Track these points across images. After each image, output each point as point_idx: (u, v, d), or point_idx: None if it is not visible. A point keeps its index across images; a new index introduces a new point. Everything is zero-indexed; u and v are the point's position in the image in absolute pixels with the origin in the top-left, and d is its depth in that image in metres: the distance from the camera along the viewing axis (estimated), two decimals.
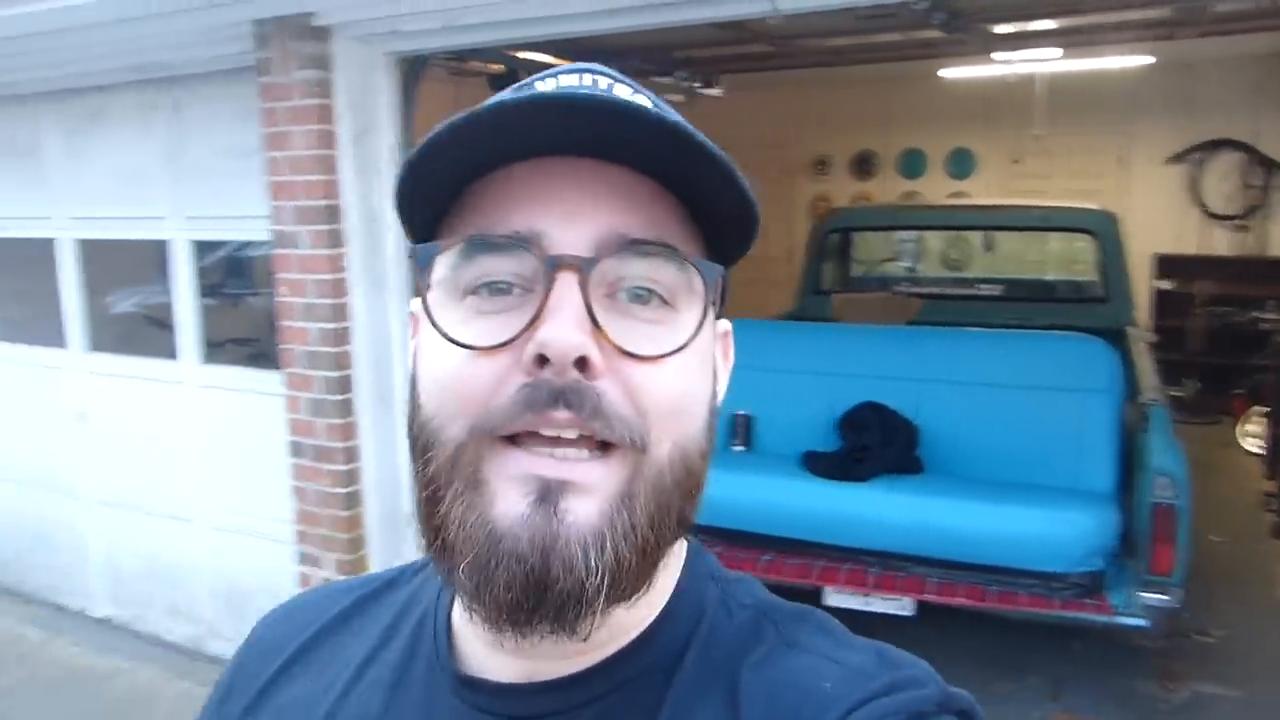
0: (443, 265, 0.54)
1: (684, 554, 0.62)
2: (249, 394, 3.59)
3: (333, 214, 3.10)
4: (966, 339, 4.11)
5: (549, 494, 0.50)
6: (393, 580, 0.71)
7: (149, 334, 4.04)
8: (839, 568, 3.55)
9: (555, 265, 0.50)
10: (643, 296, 0.53)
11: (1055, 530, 3.29)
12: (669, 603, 0.59)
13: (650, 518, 0.52)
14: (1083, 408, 3.61)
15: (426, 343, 0.55)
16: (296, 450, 3.29)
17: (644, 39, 4.15)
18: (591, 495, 0.50)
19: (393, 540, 3.35)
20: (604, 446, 0.51)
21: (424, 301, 0.54)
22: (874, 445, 3.59)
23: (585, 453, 0.50)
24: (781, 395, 3.97)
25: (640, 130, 0.50)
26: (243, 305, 3.90)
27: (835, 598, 3.60)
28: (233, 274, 3.92)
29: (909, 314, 5.24)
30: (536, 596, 0.49)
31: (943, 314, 5.20)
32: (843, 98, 8.14)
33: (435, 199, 0.56)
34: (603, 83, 0.56)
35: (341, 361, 3.16)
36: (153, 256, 3.88)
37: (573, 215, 0.52)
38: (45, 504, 4.52)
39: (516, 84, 0.57)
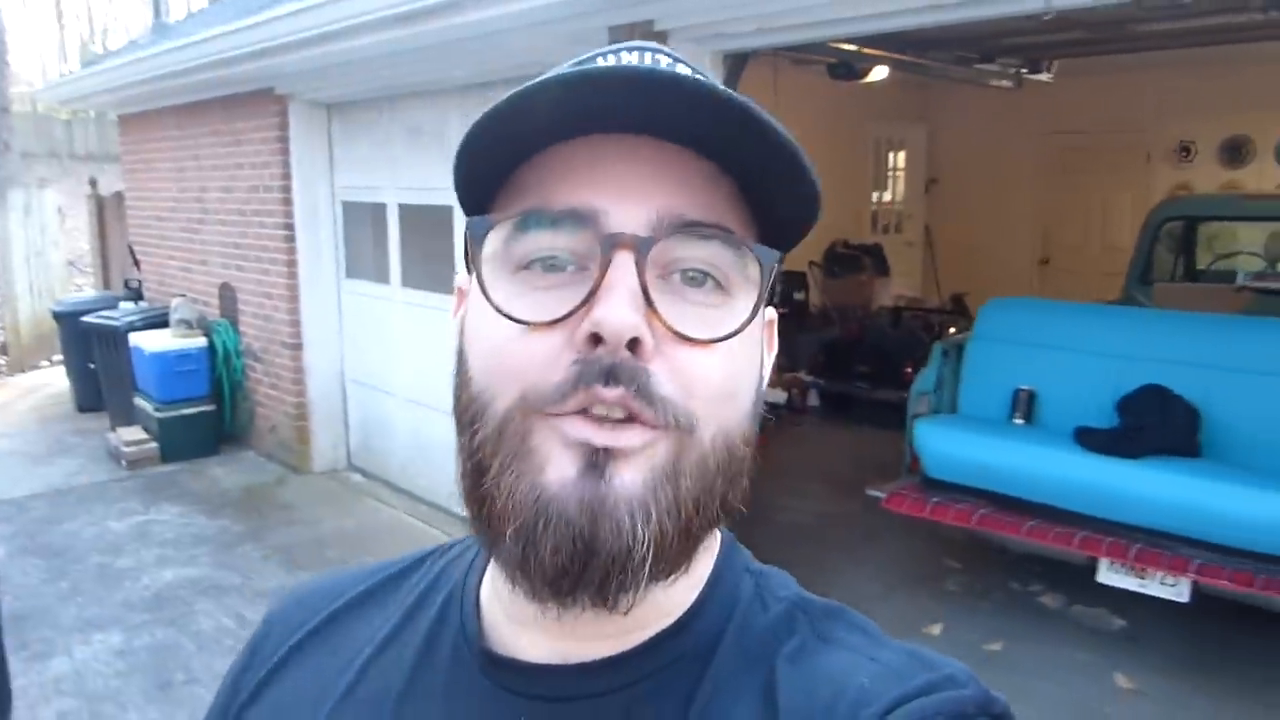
0: (496, 239, 0.54)
1: (719, 545, 0.62)
2: None
3: None
4: (1264, 328, 4.00)
5: (597, 460, 0.50)
6: (418, 561, 0.71)
7: None
8: (1102, 540, 3.67)
9: (612, 244, 0.50)
10: (697, 280, 0.53)
11: None
12: (704, 591, 0.60)
13: (694, 497, 0.52)
14: None
15: (477, 316, 0.55)
16: None
17: (962, 29, 4.38)
18: (638, 464, 0.50)
19: None
20: (650, 428, 0.51)
21: (478, 274, 0.54)
22: (1150, 425, 3.66)
23: (633, 426, 0.51)
24: (1065, 374, 4.12)
25: (702, 110, 0.50)
26: None
27: (1109, 576, 3.72)
28: None
29: (1234, 308, 5.04)
30: (583, 561, 0.49)
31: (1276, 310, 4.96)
32: (1209, 79, 7.62)
33: (491, 174, 0.56)
34: (664, 62, 0.56)
35: None
36: None
37: (630, 194, 0.52)
38: (425, 421, 5.61)
39: (576, 59, 0.57)
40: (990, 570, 4.59)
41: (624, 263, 0.50)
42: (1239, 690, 3.53)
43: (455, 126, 5.10)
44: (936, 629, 4.11)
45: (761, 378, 0.59)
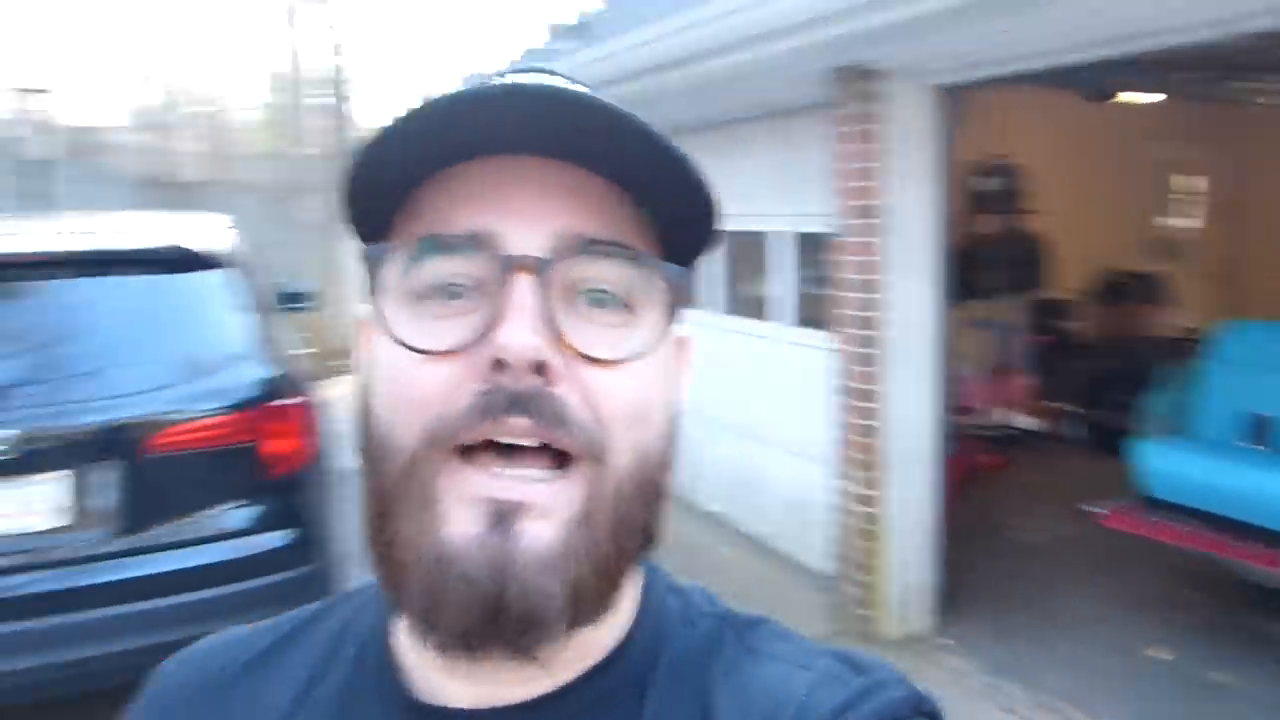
0: (395, 269, 0.52)
1: (641, 569, 0.61)
2: (812, 349, 4.75)
3: (874, 212, 4.08)
4: None
5: (504, 516, 0.48)
6: (317, 614, 0.68)
7: (758, 304, 5.41)
8: None
9: (510, 266, 0.50)
10: (601, 300, 0.52)
11: None
12: (635, 619, 0.59)
13: (612, 534, 0.51)
14: None
15: (379, 349, 0.54)
16: (838, 391, 4.35)
17: (1194, 52, 4.35)
18: (549, 518, 0.49)
19: (905, 466, 4.23)
20: (561, 459, 0.50)
21: (377, 304, 0.52)
22: None
23: (543, 471, 0.49)
24: None
25: (596, 127, 0.50)
26: (811, 282, 5.06)
27: None
28: (808, 257, 5.09)
29: None
30: (490, 622, 0.48)
31: None
32: None
33: (384, 200, 0.55)
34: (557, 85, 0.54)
35: (873, 324, 4.13)
36: (761, 244, 5.25)
37: (528, 214, 0.51)
38: (704, 435, 6.17)
39: (467, 81, 0.56)
40: (1234, 605, 4.47)
41: (524, 285, 0.49)
42: None
43: (711, 161, 5.67)
44: (1162, 653, 4.10)
45: (676, 399, 0.58)
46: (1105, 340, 8.09)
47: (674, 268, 0.55)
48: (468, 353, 0.50)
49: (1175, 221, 9.50)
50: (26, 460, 3.11)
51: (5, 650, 3.08)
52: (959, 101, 4.08)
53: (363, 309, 0.58)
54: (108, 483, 3.24)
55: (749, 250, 5.53)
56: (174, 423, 3.28)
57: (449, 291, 0.52)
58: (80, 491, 3.21)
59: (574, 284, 0.52)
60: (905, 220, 4.11)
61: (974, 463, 6.55)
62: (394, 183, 0.54)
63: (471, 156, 0.52)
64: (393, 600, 0.53)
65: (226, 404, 3.37)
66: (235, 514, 3.40)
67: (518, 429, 0.48)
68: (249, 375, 3.44)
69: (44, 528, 3.17)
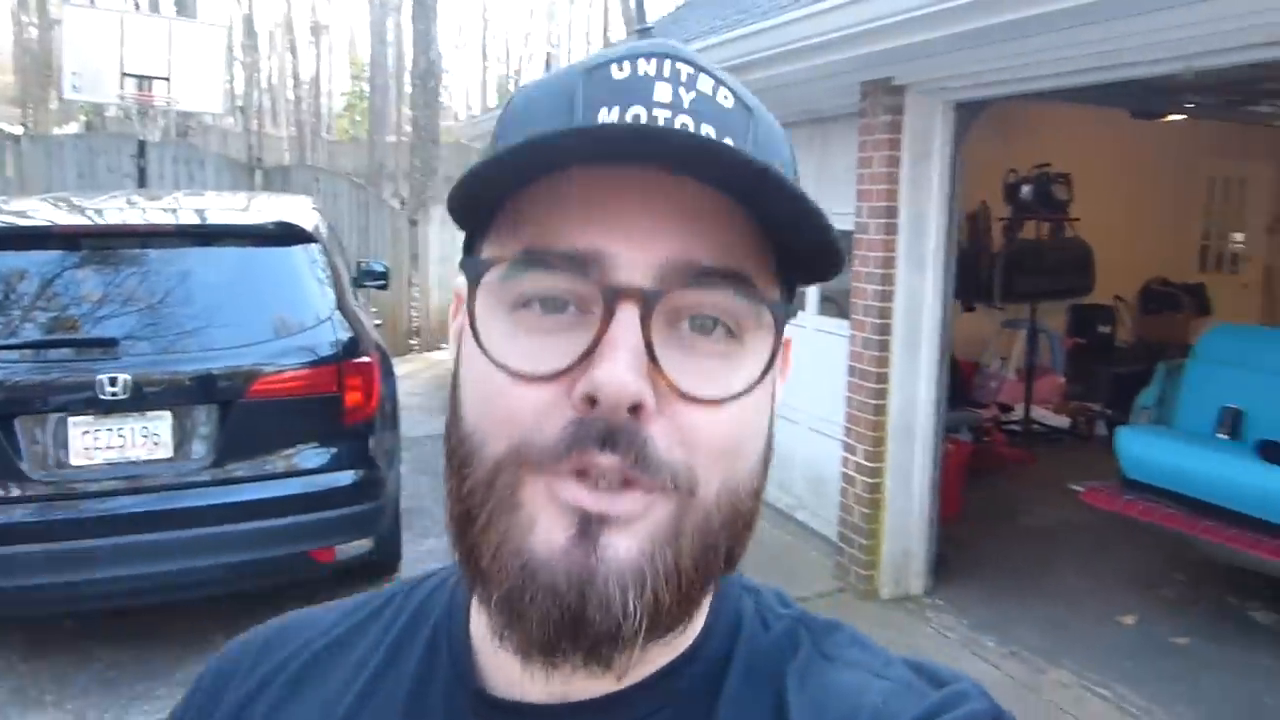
0: (493, 272, 0.51)
1: None
2: (833, 335, 5.19)
3: (891, 213, 4.52)
4: None
5: (589, 527, 0.47)
6: (391, 598, 0.68)
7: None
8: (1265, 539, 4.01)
9: (615, 295, 0.47)
10: (706, 327, 0.50)
11: None
12: (708, 618, 0.58)
13: (694, 559, 0.50)
14: None
15: (471, 351, 0.52)
16: (850, 372, 4.79)
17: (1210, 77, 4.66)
18: (634, 531, 0.48)
19: (907, 443, 4.69)
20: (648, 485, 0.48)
21: (471, 314, 0.51)
22: None
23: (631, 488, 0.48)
24: (1274, 395, 4.36)
25: (719, 162, 0.46)
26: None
27: None
28: None
29: None
30: (570, 635, 0.48)
31: None
32: None
33: (488, 197, 0.53)
34: (684, 73, 0.52)
35: (885, 313, 4.57)
36: None
37: (639, 236, 0.49)
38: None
39: (590, 63, 0.54)
40: (1211, 584, 4.87)
41: (628, 318, 0.47)
42: None
43: None
44: (1130, 619, 4.53)
45: (772, 417, 0.57)
46: (1141, 345, 8.33)
47: (782, 305, 0.53)
48: (561, 380, 0.48)
49: (1221, 234, 9.67)
50: (136, 400, 3.71)
51: (111, 561, 3.68)
52: (975, 116, 4.49)
53: (458, 283, 0.57)
54: (205, 422, 3.83)
55: None
56: (263, 374, 3.87)
57: (548, 304, 0.50)
58: (181, 429, 3.81)
59: (680, 310, 0.50)
60: (919, 221, 4.55)
61: (999, 454, 6.89)
62: (498, 183, 0.51)
63: (581, 163, 0.49)
64: (480, 601, 0.53)
65: (309, 360, 3.94)
66: (311, 454, 3.98)
67: (605, 465, 0.47)
68: (329, 336, 4.00)
69: (148, 458, 3.77)
